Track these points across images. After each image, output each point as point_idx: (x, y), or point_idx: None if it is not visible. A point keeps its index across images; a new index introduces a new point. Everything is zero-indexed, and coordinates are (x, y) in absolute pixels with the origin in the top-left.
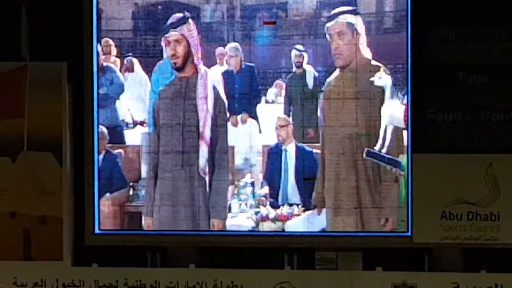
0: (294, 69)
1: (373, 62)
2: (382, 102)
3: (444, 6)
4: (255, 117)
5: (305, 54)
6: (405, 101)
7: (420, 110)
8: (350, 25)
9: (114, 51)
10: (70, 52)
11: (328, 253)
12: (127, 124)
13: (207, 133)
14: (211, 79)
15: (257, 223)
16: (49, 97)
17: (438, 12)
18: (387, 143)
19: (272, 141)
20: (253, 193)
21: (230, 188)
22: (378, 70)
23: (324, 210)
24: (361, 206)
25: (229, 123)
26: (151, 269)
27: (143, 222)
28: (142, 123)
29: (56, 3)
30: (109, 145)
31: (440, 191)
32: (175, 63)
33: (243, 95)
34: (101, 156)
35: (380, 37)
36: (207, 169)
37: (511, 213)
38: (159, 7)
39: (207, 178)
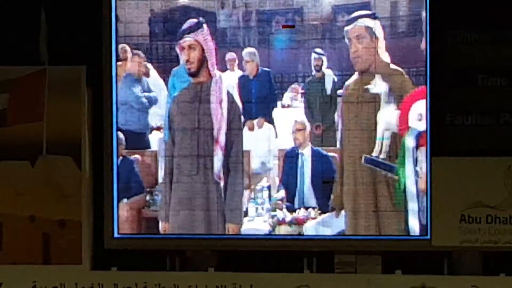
0: (313, 72)
1: (392, 66)
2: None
3: (464, 10)
4: (271, 121)
5: (324, 58)
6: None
7: (439, 113)
8: (369, 29)
9: (130, 56)
10: (88, 56)
11: (347, 256)
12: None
13: (222, 137)
14: (226, 84)
15: (273, 227)
16: (68, 101)
17: (458, 15)
18: (384, 149)
19: (288, 145)
20: (270, 196)
21: (247, 192)
22: (397, 74)
23: (342, 213)
24: (378, 210)
25: (245, 128)
26: (170, 273)
27: (160, 226)
28: (158, 128)
29: (75, 8)
30: (126, 150)
31: (459, 195)
32: (189, 69)
33: (259, 100)
34: (119, 161)
35: (398, 41)
36: (222, 174)
37: None
38: (176, 12)
39: (222, 183)
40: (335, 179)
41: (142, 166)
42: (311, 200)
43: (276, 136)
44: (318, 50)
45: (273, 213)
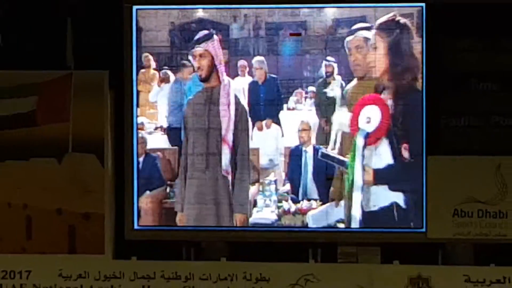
0: (324, 77)
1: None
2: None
3: (457, 19)
4: (278, 122)
5: (334, 65)
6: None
7: (434, 115)
8: (367, 40)
9: (153, 64)
10: (111, 61)
11: (349, 247)
12: (165, 130)
13: (229, 137)
14: (234, 89)
15: (279, 217)
16: (92, 103)
17: (452, 24)
18: (337, 145)
19: (294, 143)
20: (276, 189)
21: (256, 185)
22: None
23: (341, 203)
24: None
25: (255, 128)
26: (185, 262)
27: (176, 217)
28: (177, 128)
29: (99, 18)
30: (149, 148)
31: (452, 191)
32: (200, 75)
33: (267, 103)
34: (141, 159)
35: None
36: (229, 169)
37: None
38: (192, 25)
39: (229, 177)
40: (334, 176)
41: (163, 162)
42: (313, 192)
43: (283, 136)
44: (329, 58)
45: (279, 204)
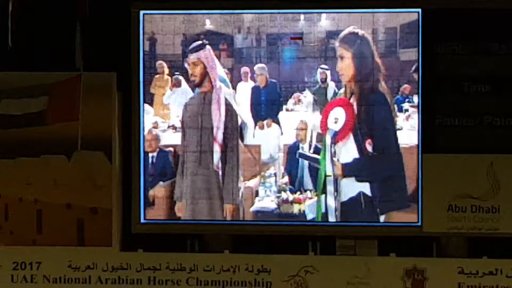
0: (319, 83)
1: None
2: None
3: (451, 24)
4: (277, 122)
5: (328, 72)
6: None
7: (429, 115)
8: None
9: (166, 70)
10: (118, 63)
11: (347, 240)
12: (176, 128)
13: (219, 135)
14: (224, 92)
15: (279, 205)
16: (100, 103)
17: (446, 29)
18: (312, 145)
19: (291, 140)
20: (276, 181)
21: (258, 177)
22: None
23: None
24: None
25: (256, 127)
26: (190, 254)
27: (175, 207)
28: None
29: (106, 21)
30: (162, 144)
31: (447, 187)
32: (193, 81)
33: (268, 105)
34: (155, 153)
35: (389, 54)
36: (220, 164)
37: (510, 206)
38: (202, 36)
39: (220, 172)
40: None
41: (174, 157)
42: (309, 184)
43: (282, 134)
44: (323, 65)
45: (278, 194)
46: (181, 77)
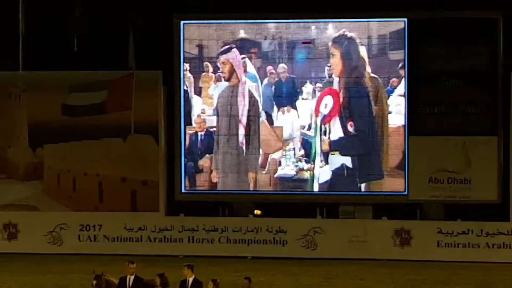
0: (327, 77)
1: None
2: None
3: (431, 31)
4: (295, 108)
5: (334, 70)
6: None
7: (414, 105)
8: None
9: (210, 69)
10: (164, 63)
11: (348, 207)
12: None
13: (244, 121)
14: (248, 85)
15: (297, 172)
16: (149, 95)
17: (427, 35)
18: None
19: (306, 122)
20: (294, 154)
21: (280, 151)
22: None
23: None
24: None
25: (279, 112)
26: (221, 218)
27: (212, 178)
28: None
29: (153, 29)
30: (207, 126)
31: (428, 163)
32: (224, 77)
33: (288, 95)
34: (203, 133)
35: (381, 55)
36: (244, 142)
37: (479, 179)
38: (238, 42)
39: (244, 148)
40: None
41: (216, 136)
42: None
43: (298, 117)
44: (329, 64)
45: (296, 164)
46: (221, 74)
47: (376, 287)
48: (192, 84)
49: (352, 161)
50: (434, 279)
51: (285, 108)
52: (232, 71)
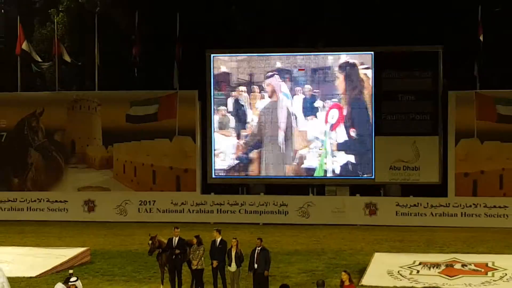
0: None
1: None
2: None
3: (391, 60)
4: (316, 117)
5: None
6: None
7: (378, 114)
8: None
9: (257, 90)
10: (199, 85)
11: (331, 187)
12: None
13: (282, 126)
14: (284, 102)
15: (321, 164)
16: (188, 107)
17: (388, 63)
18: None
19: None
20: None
21: (306, 149)
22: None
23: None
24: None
25: (305, 120)
26: (240, 195)
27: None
28: None
29: (193, 61)
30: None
31: (389, 155)
32: (268, 95)
33: (311, 107)
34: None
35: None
36: (284, 142)
37: (425, 166)
38: (275, 72)
39: (283, 147)
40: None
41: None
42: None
43: (318, 124)
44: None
45: (319, 158)
46: (265, 93)
47: (352, 245)
48: (248, 100)
49: (355, 158)
50: (393, 239)
51: (309, 117)
52: (273, 91)
